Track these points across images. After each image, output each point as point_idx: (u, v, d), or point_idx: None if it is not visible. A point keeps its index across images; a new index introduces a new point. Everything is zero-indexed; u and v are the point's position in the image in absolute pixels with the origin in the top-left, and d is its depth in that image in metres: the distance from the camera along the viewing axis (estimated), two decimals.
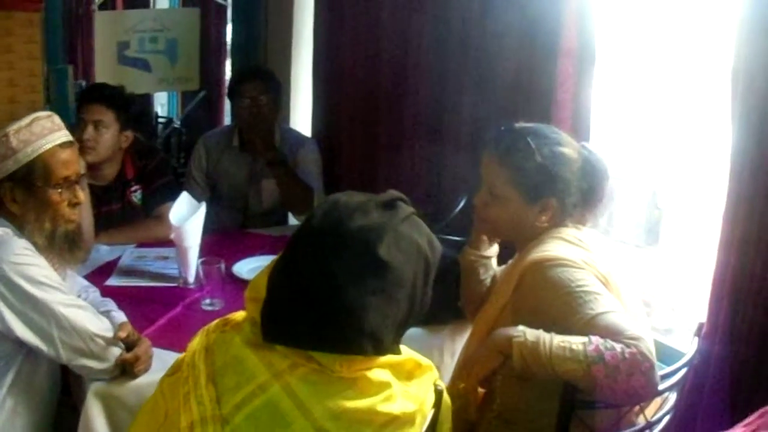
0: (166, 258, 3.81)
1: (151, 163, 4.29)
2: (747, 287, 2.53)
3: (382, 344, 1.83)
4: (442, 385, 2.01)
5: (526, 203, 2.56)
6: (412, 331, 3.03)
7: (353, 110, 4.55)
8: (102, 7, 6.90)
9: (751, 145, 2.47)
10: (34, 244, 2.69)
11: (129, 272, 3.71)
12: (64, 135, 2.80)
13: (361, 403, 1.79)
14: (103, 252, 3.93)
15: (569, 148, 2.58)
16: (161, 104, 8.26)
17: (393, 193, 1.91)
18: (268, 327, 1.83)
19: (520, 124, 2.62)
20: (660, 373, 2.22)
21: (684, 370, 2.49)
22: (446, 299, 3.02)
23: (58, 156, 2.75)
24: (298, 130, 5.05)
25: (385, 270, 1.80)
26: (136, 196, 4.21)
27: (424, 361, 1.97)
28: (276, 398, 1.76)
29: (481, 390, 2.46)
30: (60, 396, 2.93)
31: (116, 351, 2.67)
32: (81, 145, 3.66)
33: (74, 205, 2.81)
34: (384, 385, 1.83)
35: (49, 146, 2.73)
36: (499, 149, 2.59)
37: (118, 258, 3.87)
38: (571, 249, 2.48)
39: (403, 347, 1.94)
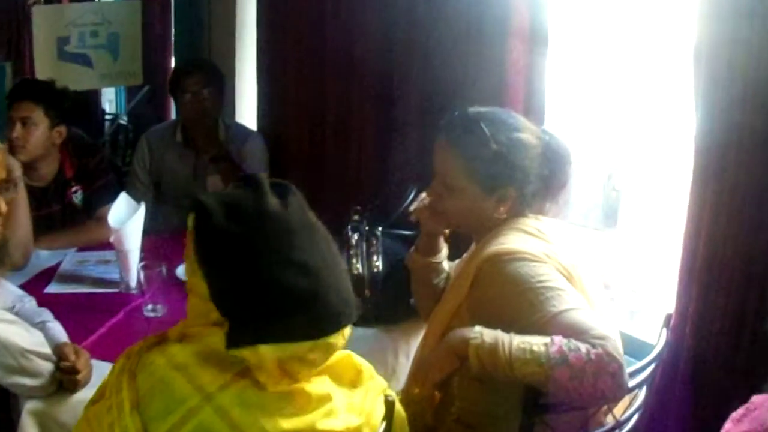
0: (108, 262, 3.65)
1: (91, 161, 4.15)
2: (716, 277, 2.43)
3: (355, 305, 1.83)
4: (394, 396, 1.92)
5: (483, 193, 2.41)
6: (364, 332, 2.96)
7: (298, 102, 4.46)
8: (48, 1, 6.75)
9: (716, 129, 2.36)
10: None
11: (69, 278, 3.57)
12: None
13: (300, 420, 1.70)
14: (44, 258, 3.78)
15: (527, 134, 2.43)
16: (109, 100, 8.09)
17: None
18: (276, 329, 1.71)
19: (475, 109, 2.46)
20: (629, 369, 2.11)
21: (653, 366, 2.38)
22: (397, 297, 2.96)
23: None
24: (243, 124, 4.94)
25: (326, 236, 1.83)
26: (77, 196, 4.07)
27: (365, 365, 1.88)
28: (208, 421, 1.66)
29: (438, 394, 2.35)
30: None
31: (50, 366, 2.51)
32: (11, 144, 3.60)
33: None
34: (324, 399, 1.74)
35: None
36: (451, 136, 2.43)
37: (59, 263, 3.73)
38: (531, 241, 2.34)
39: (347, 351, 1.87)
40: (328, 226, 3.03)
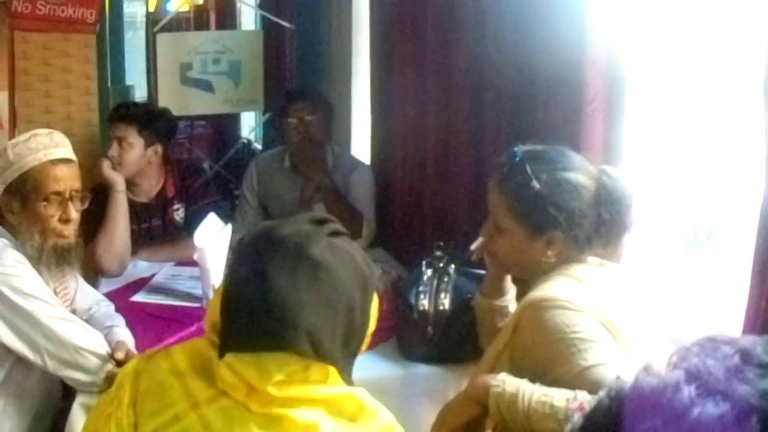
0: (199, 278, 3.76)
1: (195, 182, 4.35)
2: None
3: (321, 346, 1.75)
4: None
5: (529, 236, 2.32)
6: (428, 369, 2.96)
7: (405, 136, 4.44)
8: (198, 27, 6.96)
9: None
10: (27, 254, 2.77)
11: (159, 289, 3.74)
12: (61, 152, 2.88)
13: None
14: (142, 268, 4.01)
15: (578, 174, 2.31)
16: (249, 125, 8.32)
17: (323, 213, 1.88)
18: (221, 341, 1.80)
19: (527, 147, 2.38)
20: None
21: None
22: (466, 337, 2.87)
23: (49, 171, 2.83)
24: (353, 155, 4.97)
25: (318, 269, 1.76)
26: (179, 214, 4.27)
27: (368, 403, 1.81)
28: (191, 429, 1.71)
29: None
30: (62, 401, 2.98)
31: (105, 366, 2.73)
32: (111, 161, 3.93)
33: (65, 221, 2.86)
34: (309, 428, 1.72)
35: (41, 161, 2.82)
36: (498, 176, 2.38)
37: (153, 275, 3.91)
38: (575, 288, 2.21)
39: (356, 388, 1.83)
40: (420, 258, 3.07)
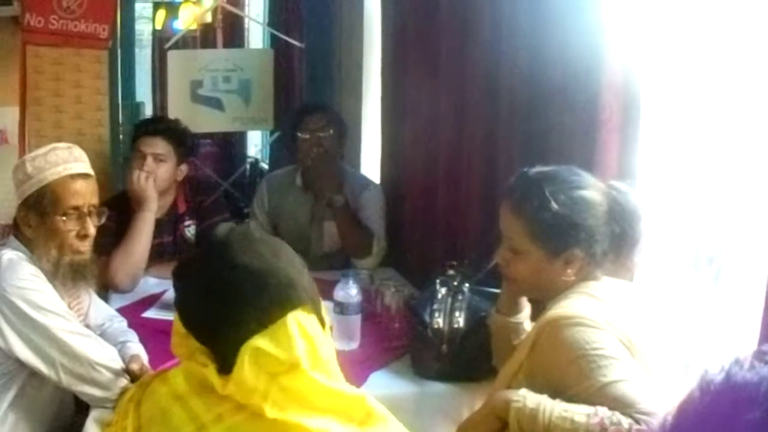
0: None
1: (206, 199, 4.34)
2: None
3: (311, 298, 1.82)
4: None
5: (548, 257, 2.33)
6: (441, 387, 2.96)
7: (415, 156, 4.43)
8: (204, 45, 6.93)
9: None
10: (43, 269, 2.76)
11: (170, 306, 3.59)
12: (80, 167, 2.88)
13: None
14: (152, 284, 3.99)
15: (592, 191, 2.35)
16: (255, 144, 8.30)
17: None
18: (229, 344, 1.77)
19: (537, 169, 2.41)
20: None
21: None
22: (478, 355, 2.89)
23: (68, 185, 2.82)
24: (363, 174, 4.95)
25: (267, 243, 1.87)
26: (190, 230, 4.26)
27: (377, 409, 1.83)
28: None
29: None
30: (75, 415, 2.98)
31: (120, 381, 2.70)
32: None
33: (83, 236, 2.85)
34: None
35: (61, 175, 2.81)
36: (512, 199, 2.39)
37: (164, 292, 3.85)
38: (593, 305, 2.25)
39: (363, 391, 1.85)
40: (433, 277, 3.07)
